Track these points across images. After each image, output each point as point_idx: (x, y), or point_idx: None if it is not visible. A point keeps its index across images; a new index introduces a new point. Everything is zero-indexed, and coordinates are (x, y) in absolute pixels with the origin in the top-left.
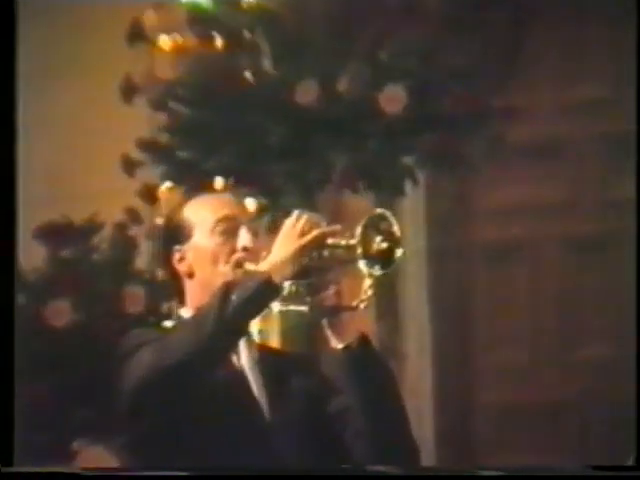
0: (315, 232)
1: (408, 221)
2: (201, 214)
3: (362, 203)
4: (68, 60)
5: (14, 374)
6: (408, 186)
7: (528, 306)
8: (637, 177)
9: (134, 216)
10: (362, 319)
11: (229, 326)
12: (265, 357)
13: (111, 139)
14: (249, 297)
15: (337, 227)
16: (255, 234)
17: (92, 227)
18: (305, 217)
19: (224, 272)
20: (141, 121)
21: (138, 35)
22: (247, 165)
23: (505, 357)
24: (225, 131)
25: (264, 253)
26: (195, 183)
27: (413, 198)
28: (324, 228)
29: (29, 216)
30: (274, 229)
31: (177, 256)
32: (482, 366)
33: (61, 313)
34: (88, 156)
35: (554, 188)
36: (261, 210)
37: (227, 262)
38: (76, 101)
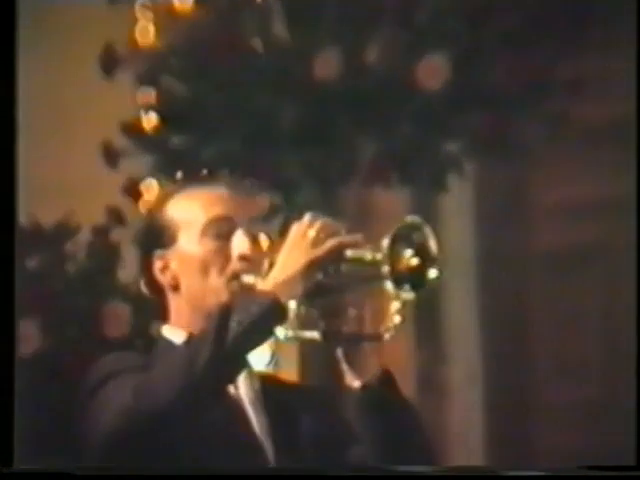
0: (332, 242)
1: (452, 222)
2: (189, 212)
3: (395, 201)
4: (34, 27)
5: (14, 374)
6: (452, 179)
7: (600, 325)
8: (637, 177)
9: (117, 217)
10: (386, 352)
11: (228, 359)
12: (268, 390)
13: (88, 122)
14: (252, 324)
15: (358, 237)
16: (254, 238)
17: (65, 231)
18: (320, 222)
19: (217, 285)
20: (125, 100)
21: None
22: (255, 154)
23: (573, 392)
24: (227, 112)
25: (266, 262)
26: (191, 176)
27: (458, 194)
28: (343, 237)
29: None
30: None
31: (159, 264)
32: (544, 401)
33: (26, 338)
34: (60, 143)
35: (631, 180)
36: (272, 209)
37: (221, 273)
38: (45, 77)
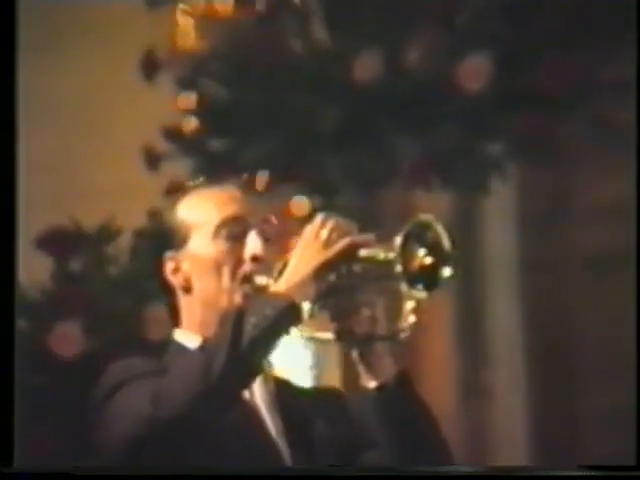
0: (344, 242)
1: (494, 224)
2: (201, 212)
3: (437, 203)
4: (75, 31)
5: (14, 373)
6: (494, 181)
7: None
8: (637, 177)
9: (158, 220)
10: (402, 352)
11: (244, 363)
12: (284, 394)
13: (129, 126)
14: (268, 327)
15: (370, 236)
16: (267, 239)
17: (107, 234)
18: (332, 222)
19: (229, 287)
20: (166, 104)
21: None
22: (294, 156)
23: (615, 394)
24: (267, 115)
25: (279, 263)
26: (231, 178)
27: (501, 196)
28: (355, 237)
29: (30, 221)
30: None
31: (170, 265)
32: (590, 406)
33: (69, 340)
34: (101, 147)
35: None
36: (313, 211)
37: (234, 275)
38: (86, 81)
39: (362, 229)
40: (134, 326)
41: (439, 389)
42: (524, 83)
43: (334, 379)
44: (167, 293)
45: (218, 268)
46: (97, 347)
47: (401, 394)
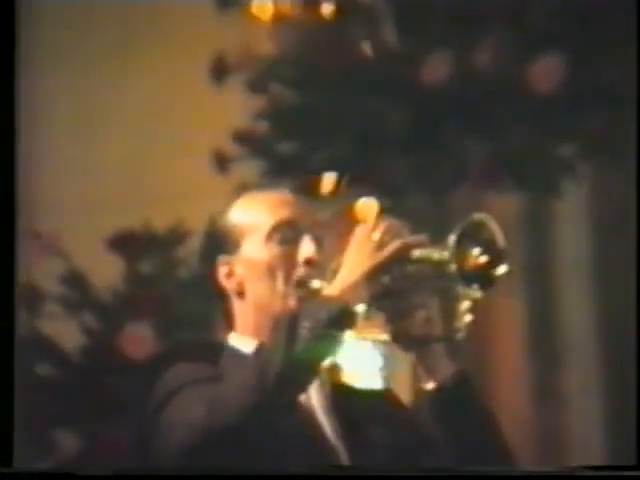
0: (396, 243)
1: (566, 226)
2: (253, 216)
3: (508, 205)
4: (144, 34)
5: (14, 373)
6: (566, 183)
7: None
8: (637, 177)
9: (212, 224)
10: (459, 351)
11: (300, 368)
12: (340, 397)
13: (200, 130)
14: (322, 331)
15: (422, 237)
16: (319, 242)
17: (177, 236)
18: (383, 224)
19: (283, 291)
20: (235, 107)
21: (230, 1)
22: (364, 159)
23: None
24: (336, 117)
25: (332, 266)
26: (300, 181)
27: (573, 198)
28: (407, 238)
29: (101, 223)
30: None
31: (223, 270)
32: None
33: (141, 341)
34: (171, 150)
35: None
36: (382, 213)
37: (288, 278)
38: (157, 85)
39: (429, 232)
40: (203, 328)
41: (510, 392)
42: (596, 83)
43: (402, 381)
44: (220, 297)
45: (272, 272)
46: (167, 348)
47: (459, 394)
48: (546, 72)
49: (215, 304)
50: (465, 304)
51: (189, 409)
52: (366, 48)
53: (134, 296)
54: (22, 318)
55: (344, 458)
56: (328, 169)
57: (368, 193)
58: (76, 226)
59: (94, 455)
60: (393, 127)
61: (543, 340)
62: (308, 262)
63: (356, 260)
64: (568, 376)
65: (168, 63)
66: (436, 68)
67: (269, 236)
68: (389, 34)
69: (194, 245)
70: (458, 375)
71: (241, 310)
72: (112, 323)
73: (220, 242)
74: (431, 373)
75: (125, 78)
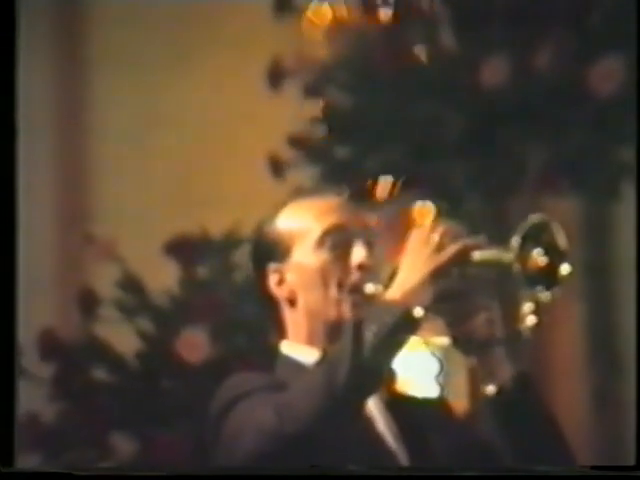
0: (456, 245)
1: (626, 229)
2: (303, 223)
3: (565, 209)
4: (201, 39)
5: (15, 373)
6: (625, 186)
7: None
8: (637, 177)
9: (260, 231)
10: (520, 354)
11: (368, 373)
12: (397, 402)
13: (255, 134)
14: (388, 335)
15: (481, 238)
16: (372, 246)
17: (233, 240)
18: (441, 226)
19: (337, 298)
20: (291, 112)
21: (287, 5)
22: (420, 163)
23: None
24: (393, 122)
25: (387, 271)
26: (356, 185)
27: (631, 201)
28: (467, 240)
29: (157, 228)
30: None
31: (274, 278)
32: None
33: (196, 345)
34: (227, 155)
35: None
36: (439, 217)
37: (341, 284)
38: (211, 88)
39: (487, 235)
40: (259, 332)
41: (569, 394)
42: (638, 72)
43: (459, 386)
44: (272, 305)
45: (324, 278)
46: (223, 353)
47: (521, 397)
48: (606, 74)
49: (266, 312)
50: (528, 306)
51: (257, 414)
52: (423, 52)
53: (189, 300)
54: (78, 322)
55: (403, 462)
56: (384, 173)
57: (424, 197)
58: (133, 231)
59: (150, 458)
60: (451, 131)
61: (603, 343)
62: (360, 267)
63: (415, 263)
64: (627, 380)
65: (224, 68)
66: (495, 71)
67: (320, 242)
68: (447, 37)
69: (249, 249)
70: (520, 378)
71: (293, 318)
72: (168, 327)
73: (270, 249)
74: (492, 376)
75: (182, 83)
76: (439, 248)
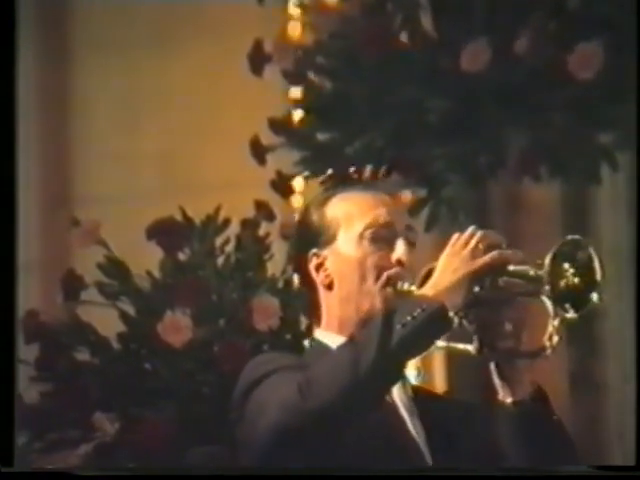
0: (494, 254)
1: (605, 215)
2: (348, 214)
3: (545, 194)
4: (184, 24)
5: (15, 373)
6: (605, 172)
7: None
8: (637, 177)
9: (265, 211)
10: (541, 369)
11: (392, 363)
12: (421, 398)
13: (237, 119)
14: (418, 328)
15: (519, 252)
16: (412, 245)
17: (215, 225)
18: (481, 234)
19: (372, 289)
20: (273, 97)
21: None
22: (401, 148)
23: None
24: (374, 107)
25: (422, 271)
26: (338, 171)
27: (611, 187)
28: (504, 251)
29: (139, 211)
30: (434, 225)
31: (314, 262)
32: None
33: (179, 329)
34: (209, 139)
35: None
36: (418, 204)
37: (377, 277)
38: (193, 73)
39: (469, 219)
40: (242, 316)
41: (549, 381)
42: (638, 70)
43: (469, 390)
44: (309, 289)
45: (362, 269)
46: (206, 337)
47: (537, 411)
48: (587, 58)
49: (303, 295)
50: (555, 323)
51: (281, 391)
52: (404, 37)
53: (172, 284)
54: (62, 305)
55: (427, 458)
56: (365, 158)
57: (406, 183)
58: (115, 215)
59: (133, 438)
60: (431, 116)
61: (582, 329)
62: (399, 262)
63: (450, 266)
64: (608, 368)
65: (207, 53)
66: (475, 56)
67: (363, 234)
68: (428, 22)
69: (232, 233)
70: (537, 393)
71: (327, 302)
72: (151, 311)
73: (314, 234)
74: (511, 387)
75: (164, 68)
76: (475, 254)
